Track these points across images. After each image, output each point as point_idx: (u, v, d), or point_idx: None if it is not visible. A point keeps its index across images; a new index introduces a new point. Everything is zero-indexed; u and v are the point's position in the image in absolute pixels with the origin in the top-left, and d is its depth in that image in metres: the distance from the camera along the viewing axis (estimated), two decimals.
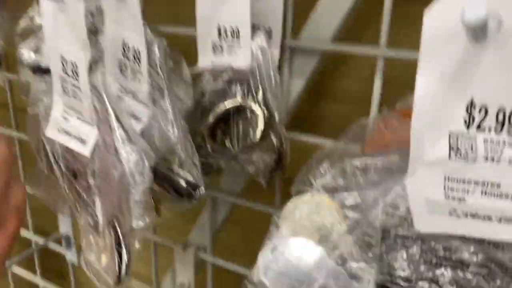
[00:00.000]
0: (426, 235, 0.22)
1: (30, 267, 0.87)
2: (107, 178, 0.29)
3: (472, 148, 0.22)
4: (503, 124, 0.22)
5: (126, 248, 0.29)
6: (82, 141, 0.30)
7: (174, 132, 0.32)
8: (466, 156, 0.22)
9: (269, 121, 0.45)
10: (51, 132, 0.32)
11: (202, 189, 0.32)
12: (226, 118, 0.46)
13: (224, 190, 0.63)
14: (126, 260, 0.29)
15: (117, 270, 0.29)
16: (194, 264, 0.67)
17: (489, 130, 0.22)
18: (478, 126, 0.23)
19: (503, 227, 0.21)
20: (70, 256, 0.80)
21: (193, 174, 0.33)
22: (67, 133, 0.31)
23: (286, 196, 0.58)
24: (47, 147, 0.33)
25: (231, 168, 0.47)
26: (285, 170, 0.47)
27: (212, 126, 0.46)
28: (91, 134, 0.29)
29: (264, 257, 0.23)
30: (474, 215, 0.22)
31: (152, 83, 0.34)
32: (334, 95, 0.66)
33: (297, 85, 0.56)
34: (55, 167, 0.33)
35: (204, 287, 0.69)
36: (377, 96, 0.47)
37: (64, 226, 0.78)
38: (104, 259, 0.30)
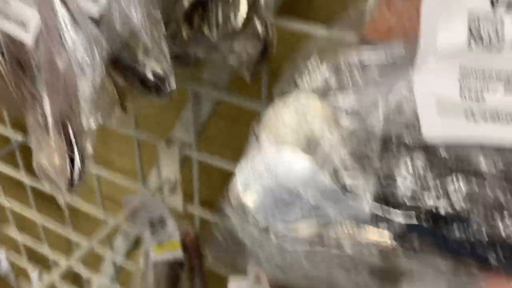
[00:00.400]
0: (435, 143, 0.18)
1: (14, 164, 0.86)
2: (53, 70, 0.24)
3: (497, 34, 0.18)
4: None
5: (79, 152, 0.25)
6: (24, 26, 0.25)
7: (137, 14, 0.27)
8: (489, 43, 0.18)
9: (253, 4, 0.39)
10: None
11: (172, 82, 0.28)
12: (204, 1, 0.40)
13: (207, 83, 0.58)
14: (79, 164, 0.26)
15: (69, 176, 0.26)
16: (179, 160, 0.64)
17: None
18: (508, 5, 0.18)
19: None
20: None
21: (161, 64, 0.28)
22: (7, 17, 0.26)
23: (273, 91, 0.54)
24: None
25: (211, 59, 0.42)
26: (270, 62, 0.42)
27: (188, 10, 0.40)
28: (33, 17, 0.24)
29: (243, 173, 0.19)
30: (494, 117, 0.18)
31: None
32: None
33: None
34: None
35: (191, 182, 0.68)
36: None
37: None
38: (56, 161, 0.26)
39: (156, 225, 0.63)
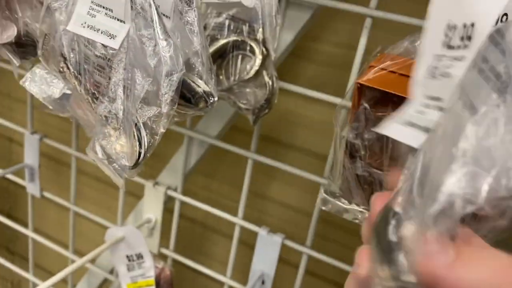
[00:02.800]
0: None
1: None
2: (138, 69, 0.31)
3: (436, 67, 0.26)
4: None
5: (146, 135, 0.31)
6: (111, 36, 0.31)
7: (197, 39, 0.34)
8: (433, 74, 0.26)
9: (264, 60, 0.48)
10: (73, 26, 0.34)
11: (215, 98, 0.35)
12: (223, 53, 0.49)
13: (201, 133, 0.65)
14: (145, 147, 0.31)
15: (137, 156, 0.31)
16: (163, 202, 0.69)
17: (455, 47, 0.26)
18: (448, 45, 0.26)
19: None
20: (32, 188, 0.80)
21: (208, 85, 0.35)
22: (93, 28, 0.32)
23: (260, 149, 0.61)
24: (64, 42, 0.35)
25: (224, 99, 0.49)
26: (271, 109, 0.50)
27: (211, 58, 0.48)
28: (121, 29, 0.31)
29: None
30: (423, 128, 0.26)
31: None
32: (314, 57, 0.70)
33: (287, 37, 0.59)
34: (67, 63, 0.34)
35: (170, 226, 0.72)
36: (361, 52, 0.52)
37: (30, 157, 0.77)
38: (119, 147, 0.31)
39: (134, 261, 0.66)
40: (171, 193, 0.69)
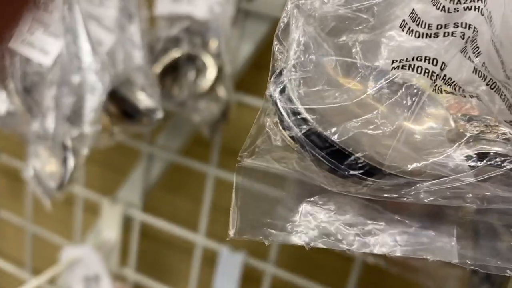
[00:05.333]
0: None
1: None
2: (65, 87, 0.29)
3: None
4: None
5: (72, 157, 0.29)
6: (45, 52, 0.30)
7: (139, 54, 0.33)
8: None
9: (219, 73, 0.46)
10: (13, 43, 0.32)
11: (160, 113, 0.34)
12: (176, 67, 0.47)
13: (161, 147, 0.63)
14: (72, 166, 0.29)
15: (62, 176, 0.30)
16: (121, 220, 0.67)
17: None
18: None
19: None
20: None
21: (152, 100, 0.34)
22: (31, 44, 0.31)
23: (222, 163, 0.60)
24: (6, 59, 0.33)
25: (179, 113, 0.48)
26: (228, 122, 0.49)
27: (163, 72, 0.47)
28: (54, 46, 0.30)
29: None
30: None
31: (122, 8, 0.34)
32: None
33: (246, 49, 0.58)
34: (10, 80, 0.32)
35: (129, 245, 0.70)
36: None
37: None
38: (49, 167, 0.30)
39: (91, 282, 0.63)
40: (129, 210, 0.66)
